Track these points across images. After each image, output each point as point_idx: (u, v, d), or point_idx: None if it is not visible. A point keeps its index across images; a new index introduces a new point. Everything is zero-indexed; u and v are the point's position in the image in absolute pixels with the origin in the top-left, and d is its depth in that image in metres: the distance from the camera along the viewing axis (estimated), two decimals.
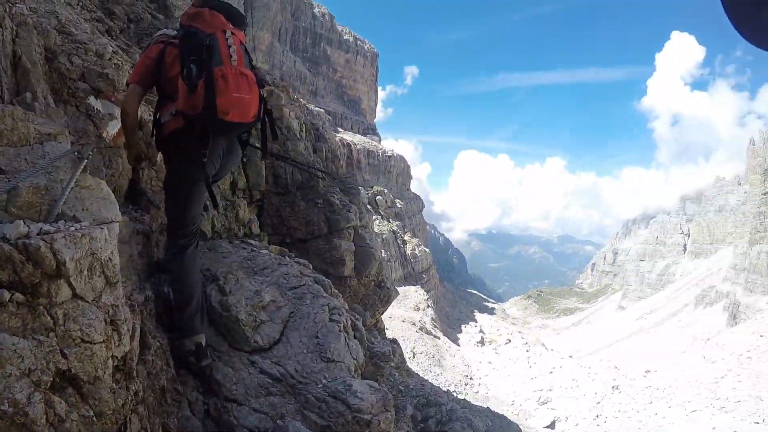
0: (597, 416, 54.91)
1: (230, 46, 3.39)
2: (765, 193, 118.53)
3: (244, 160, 4.23)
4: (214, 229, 6.49)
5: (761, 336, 73.81)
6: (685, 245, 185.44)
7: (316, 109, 60.22)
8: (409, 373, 20.62)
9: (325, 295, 5.29)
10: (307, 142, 13.83)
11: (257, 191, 10.87)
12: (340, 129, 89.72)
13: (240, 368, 4.20)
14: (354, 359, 4.77)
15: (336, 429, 4.11)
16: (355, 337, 5.17)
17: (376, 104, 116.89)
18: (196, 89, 3.26)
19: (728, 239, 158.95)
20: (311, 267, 6.30)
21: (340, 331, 4.88)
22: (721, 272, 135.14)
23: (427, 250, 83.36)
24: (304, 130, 14.05)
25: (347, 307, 5.89)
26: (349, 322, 5.17)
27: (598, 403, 57.21)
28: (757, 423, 56.36)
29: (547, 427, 51.01)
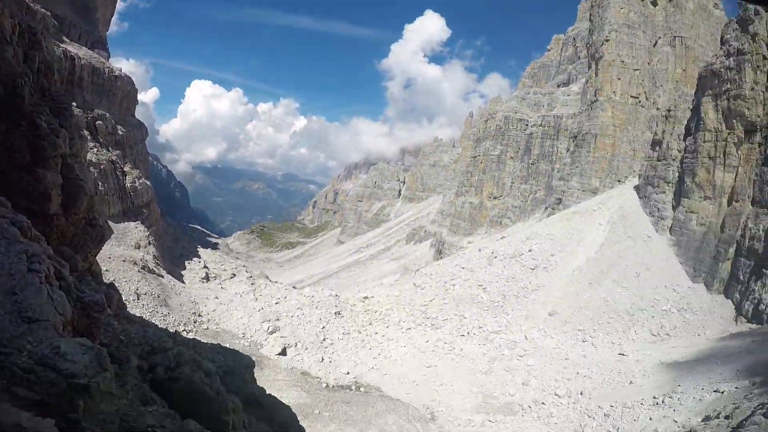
0: (323, 339, 59.33)
1: None
2: (474, 157, 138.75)
3: None
4: None
5: (462, 268, 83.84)
6: (400, 191, 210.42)
7: (42, 10, 48.26)
8: (130, 319, 19.45)
9: (23, 240, 4.39)
10: (18, 48, 10.86)
11: None
12: (65, 38, 73.85)
13: None
14: (60, 314, 4.13)
15: (52, 401, 3.53)
16: (60, 288, 4.45)
17: (112, 15, 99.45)
18: None
19: (438, 190, 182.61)
20: (9, 205, 5.11)
21: (41, 282, 4.16)
22: (430, 215, 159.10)
23: (149, 183, 78.48)
24: (16, 33, 10.96)
25: (51, 252, 5.00)
26: (52, 271, 4.42)
27: (323, 327, 61.29)
28: (463, 335, 69.97)
29: (279, 354, 53.58)
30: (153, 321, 41.31)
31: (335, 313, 64.73)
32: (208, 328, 52.77)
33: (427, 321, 69.56)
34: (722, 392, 44.06)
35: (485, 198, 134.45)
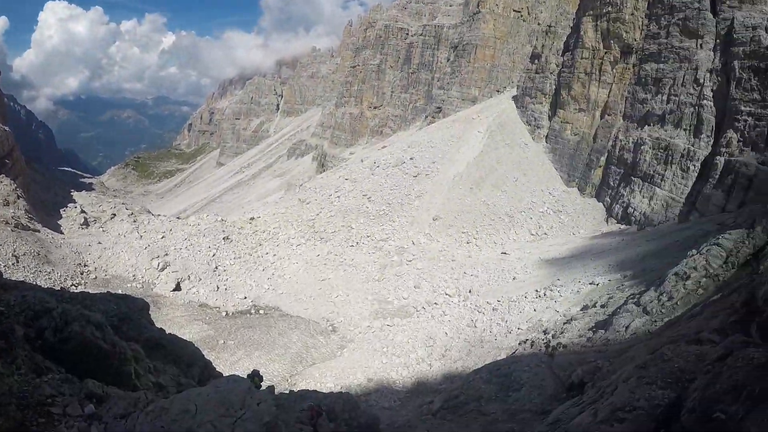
0: (216, 267, 57.92)
1: None
2: (353, 67, 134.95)
3: None
4: None
5: (346, 179, 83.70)
6: (278, 105, 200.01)
7: None
8: (8, 286, 16.73)
9: None
10: None
11: None
12: None
13: None
14: None
15: None
16: None
17: None
18: None
19: (317, 102, 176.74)
20: None
21: None
22: (310, 129, 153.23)
23: (7, 128, 71.13)
24: None
25: None
26: None
27: (214, 255, 59.79)
28: (352, 246, 68.83)
29: (174, 290, 52.53)
30: (38, 282, 39.08)
31: (224, 238, 63.13)
32: (96, 277, 49.70)
33: (316, 235, 69.62)
34: (597, 284, 47.75)
35: (365, 108, 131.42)
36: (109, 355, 9.52)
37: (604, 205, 68.50)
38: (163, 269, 54.39)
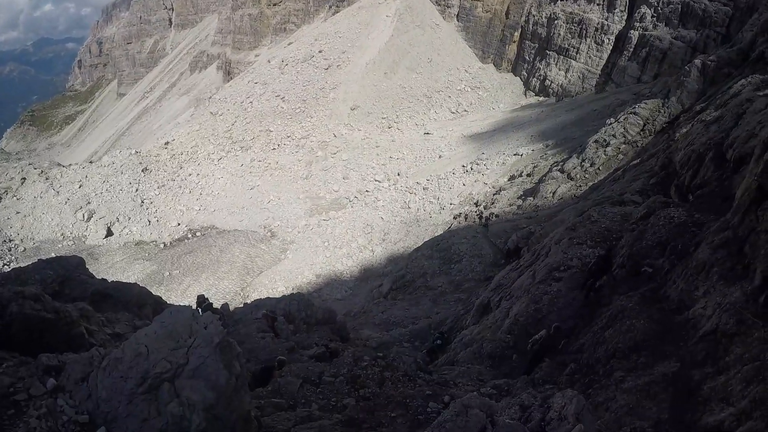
0: (141, 202, 56.32)
1: None
2: None
3: None
4: None
5: (256, 83, 79.55)
6: (170, 19, 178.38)
7: None
8: None
9: None
10: None
11: None
12: None
13: None
14: None
15: None
16: None
17: None
18: None
19: (212, 8, 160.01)
20: None
21: None
22: (209, 38, 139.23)
23: None
24: None
25: None
26: None
27: (137, 190, 57.59)
28: (274, 149, 66.19)
29: (106, 236, 51.72)
30: None
31: (143, 170, 60.53)
32: (25, 249, 47.14)
33: (236, 145, 67.36)
34: (521, 155, 50.22)
35: (264, 6, 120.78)
36: (55, 323, 9.43)
37: (521, 79, 70.06)
38: (89, 219, 51.84)
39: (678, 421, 6.58)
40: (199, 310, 16.28)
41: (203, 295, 19.03)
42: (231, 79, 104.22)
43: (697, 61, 33.93)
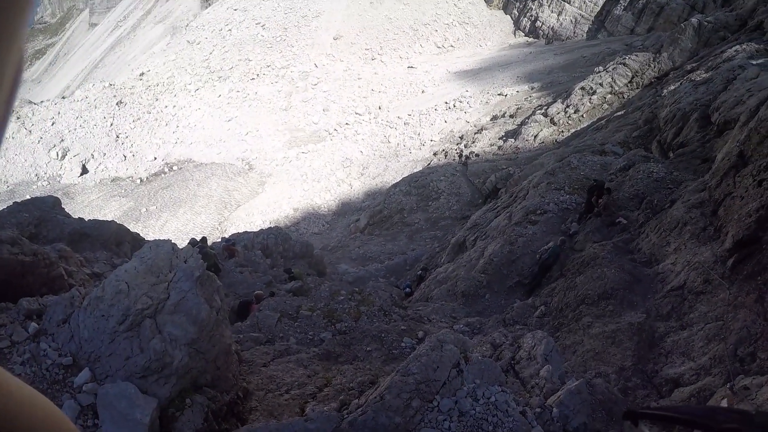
0: (117, 137, 54.71)
1: None
2: None
3: None
4: None
5: (235, 9, 75.74)
6: None
7: None
8: None
9: None
10: None
11: None
12: None
13: None
14: None
15: None
16: None
17: None
18: None
19: None
20: None
21: None
22: None
23: None
24: None
25: None
26: None
27: (111, 124, 55.95)
28: (253, 79, 63.43)
29: (81, 174, 50.74)
30: None
31: (117, 104, 58.12)
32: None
33: (213, 75, 64.70)
34: (505, 95, 49.65)
35: None
36: (33, 266, 9.24)
37: (511, 17, 67.81)
38: (63, 157, 50.24)
39: (640, 369, 7.04)
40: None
41: (194, 239, 18.83)
42: (209, 5, 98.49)
43: (694, 20, 33.36)
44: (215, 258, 16.33)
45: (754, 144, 8.25)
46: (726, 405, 5.02)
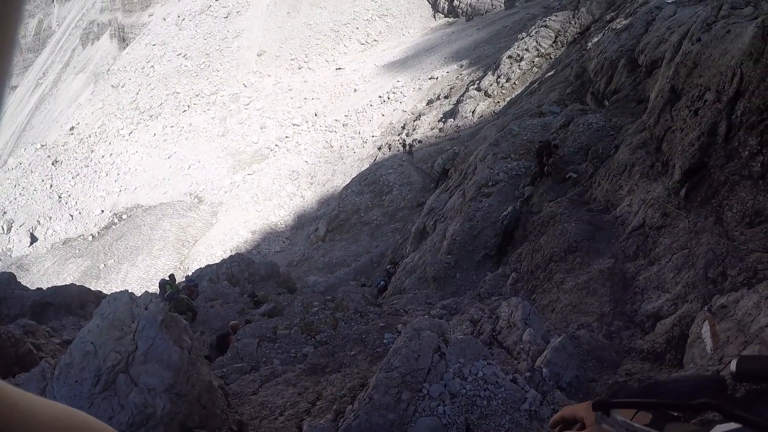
0: (59, 197, 53.97)
1: None
2: None
3: None
4: None
5: (154, 45, 74.01)
6: None
7: None
8: None
9: None
10: None
11: None
12: None
13: None
14: None
15: None
16: None
17: None
18: None
19: None
20: None
21: None
22: (96, 5, 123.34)
23: None
24: None
25: None
26: None
27: (51, 186, 55.26)
28: (184, 111, 61.79)
29: (31, 243, 50.04)
30: None
31: (52, 163, 56.60)
32: None
33: (144, 115, 62.82)
34: (436, 78, 50.09)
35: None
36: None
37: (428, 2, 68.34)
38: (9, 230, 48.63)
39: (619, 312, 7.05)
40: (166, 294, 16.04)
41: (164, 279, 18.40)
42: (127, 45, 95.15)
43: None
44: (188, 301, 15.83)
45: (683, 77, 8.42)
46: (707, 331, 5.02)
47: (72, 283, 18.94)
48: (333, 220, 36.52)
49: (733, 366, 0.93)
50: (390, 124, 48.36)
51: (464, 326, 8.48)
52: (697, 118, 7.69)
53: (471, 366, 5.22)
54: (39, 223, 49.03)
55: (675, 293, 6.18)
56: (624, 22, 20.84)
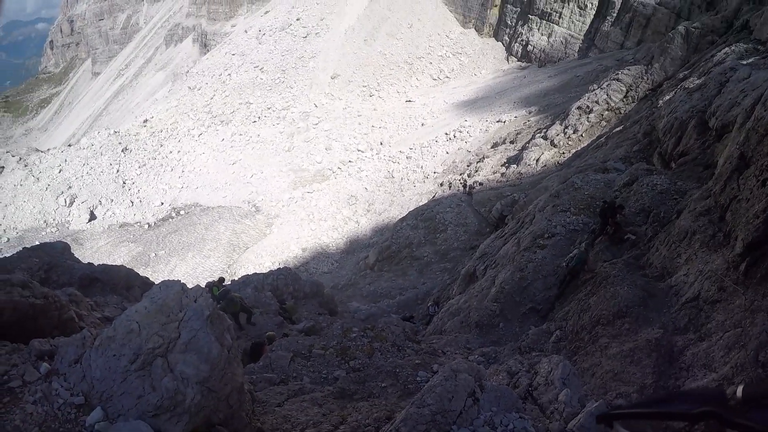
0: (123, 183, 55.96)
1: None
2: None
3: None
4: None
5: (233, 54, 78.20)
6: None
7: None
8: None
9: None
10: None
11: None
12: None
13: None
14: None
15: None
16: None
17: None
18: None
19: None
20: None
21: None
22: (183, 9, 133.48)
23: None
24: None
25: None
26: None
27: (118, 171, 57.34)
28: (255, 122, 64.42)
29: (89, 220, 51.79)
30: None
31: (122, 150, 59.62)
32: (8, 239, 46.70)
33: (215, 119, 65.95)
34: (504, 122, 50.10)
35: None
36: (45, 309, 9.01)
37: (503, 44, 69.23)
38: (71, 204, 51.12)
39: (661, 386, 6.82)
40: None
41: (211, 282, 18.69)
42: (208, 51, 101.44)
43: (681, 28, 33.86)
44: (242, 301, 16.16)
45: (753, 144, 8.19)
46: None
47: (122, 265, 19.42)
48: (384, 250, 36.76)
49: (739, 391, 1.02)
50: (453, 162, 48.61)
51: (501, 376, 8.40)
52: (765, 189, 7.43)
53: (503, 416, 5.21)
54: (100, 203, 51.91)
55: (722, 373, 5.94)
56: (697, 82, 20.35)
